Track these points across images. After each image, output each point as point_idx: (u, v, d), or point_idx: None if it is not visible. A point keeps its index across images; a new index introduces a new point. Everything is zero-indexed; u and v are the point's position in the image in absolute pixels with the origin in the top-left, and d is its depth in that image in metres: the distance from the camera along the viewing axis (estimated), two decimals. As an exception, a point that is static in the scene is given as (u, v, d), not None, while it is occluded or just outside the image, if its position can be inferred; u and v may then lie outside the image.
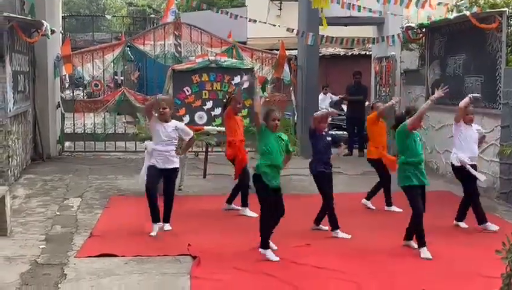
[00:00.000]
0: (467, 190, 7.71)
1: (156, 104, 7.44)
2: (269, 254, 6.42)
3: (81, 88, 15.09)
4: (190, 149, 8.71)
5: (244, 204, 8.36)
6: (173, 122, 7.50)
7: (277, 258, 6.37)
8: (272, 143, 6.54)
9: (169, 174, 7.48)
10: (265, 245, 6.46)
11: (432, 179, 8.38)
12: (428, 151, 11.39)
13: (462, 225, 7.80)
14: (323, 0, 10.55)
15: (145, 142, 7.55)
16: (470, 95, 7.68)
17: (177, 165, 7.53)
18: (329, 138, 7.54)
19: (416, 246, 6.78)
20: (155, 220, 7.41)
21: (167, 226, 7.56)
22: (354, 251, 6.80)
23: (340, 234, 7.34)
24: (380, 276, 5.98)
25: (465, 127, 7.71)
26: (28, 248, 6.77)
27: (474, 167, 7.67)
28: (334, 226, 7.39)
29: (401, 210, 8.37)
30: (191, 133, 7.68)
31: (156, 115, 7.39)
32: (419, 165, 6.79)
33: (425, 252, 6.56)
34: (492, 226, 7.60)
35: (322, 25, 11.83)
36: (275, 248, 6.65)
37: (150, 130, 7.67)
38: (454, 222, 7.83)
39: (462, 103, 7.58)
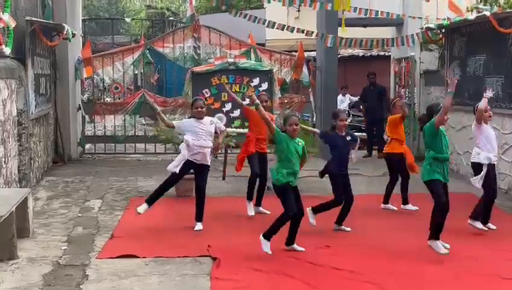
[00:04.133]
0: (486, 191, 7.65)
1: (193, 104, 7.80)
2: (266, 245, 6.54)
3: (101, 90, 15.23)
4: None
5: (249, 198, 8.46)
6: (208, 118, 7.80)
7: (271, 252, 6.49)
8: (291, 149, 6.57)
9: (204, 170, 7.71)
10: (268, 236, 6.58)
11: (452, 181, 8.34)
12: (449, 152, 11.31)
13: (491, 226, 7.73)
14: (345, 2, 10.53)
15: (185, 136, 7.69)
16: (486, 96, 7.58)
17: (209, 163, 7.80)
18: (348, 138, 7.55)
19: (447, 245, 6.75)
20: (150, 201, 7.75)
21: (199, 225, 7.66)
22: (373, 251, 6.80)
23: (342, 227, 7.56)
24: (399, 277, 5.97)
25: (485, 126, 7.67)
26: (50, 249, 6.86)
27: (493, 166, 7.62)
28: (339, 221, 7.60)
29: (417, 208, 8.44)
30: (224, 127, 8.06)
31: (193, 113, 7.70)
32: (445, 161, 6.77)
33: (436, 245, 6.56)
34: (478, 224, 7.60)
35: (341, 26, 11.82)
36: (302, 249, 6.73)
37: (183, 132, 7.80)
38: (480, 225, 7.67)
39: (482, 105, 7.50)
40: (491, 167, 7.56)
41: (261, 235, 6.61)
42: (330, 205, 7.56)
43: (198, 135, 7.62)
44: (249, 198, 8.50)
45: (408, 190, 8.80)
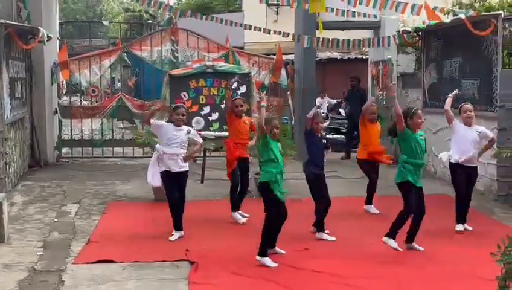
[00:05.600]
0: (456, 190, 7.82)
1: (172, 110, 7.71)
2: (267, 261, 6.38)
3: (78, 94, 15.06)
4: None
5: (235, 208, 8.33)
6: (185, 127, 7.65)
7: (275, 264, 6.36)
8: (276, 151, 6.58)
9: (182, 178, 7.57)
10: (263, 253, 6.43)
11: (429, 182, 8.43)
12: (426, 154, 11.40)
13: (467, 227, 7.81)
14: (320, 6, 10.57)
15: (157, 145, 7.65)
16: (449, 95, 7.86)
17: (187, 169, 7.64)
18: (324, 141, 7.55)
19: (421, 248, 6.88)
20: (178, 228, 7.49)
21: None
22: (353, 254, 6.81)
23: (325, 236, 7.39)
24: (380, 279, 5.98)
25: (463, 128, 7.74)
26: (25, 254, 6.76)
27: (471, 168, 7.71)
28: (319, 228, 7.45)
29: (378, 212, 8.62)
30: (201, 139, 7.84)
31: (173, 120, 7.56)
32: (418, 167, 6.83)
33: (391, 242, 6.81)
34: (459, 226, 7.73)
35: (319, 29, 11.86)
36: (283, 251, 6.70)
37: (158, 134, 7.73)
38: (460, 227, 7.77)
39: (446, 105, 7.73)
40: (461, 167, 7.67)
41: (257, 256, 6.44)
42: (317, 210, 7.47)
43: (173, 142, 7.47)
44: (235, 208, 8.36)
45: (374, 192, 8.86)
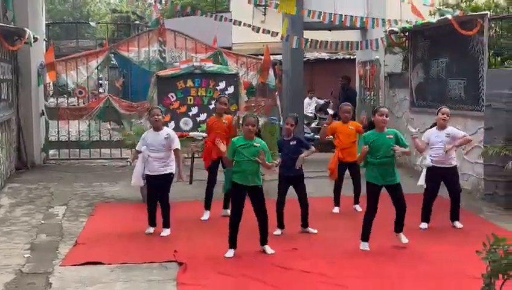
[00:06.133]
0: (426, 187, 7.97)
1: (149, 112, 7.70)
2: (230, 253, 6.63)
3: (65, 95, 14.96)
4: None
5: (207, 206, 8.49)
6: (165, 131, 7.62)
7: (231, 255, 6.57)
8: (242, 153, 6.60)
9: (163, 181, 7.57)
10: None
11: (414, 182, 8.46)
12: (413, 153, 11.43)
13: (458, 224, 7.92)
14: (290, 6, 10.64)
15: (143, 147, 7.62)
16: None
17: (172, 171, 7.63)
18: (293, 142, 7.56)
19: (406, 240, 7.01)
20: (152, 224, 7.72)
21: (166, 231, 7.61)
22: (340, 254, 6.83)
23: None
24: (368, 279, 5.99)
25: (434, 133, 7.91)
26: (12, 257, 6.71)
27: (445, 169, 7.81)
28: (303, 224, 7.68)
29: (337, 211, 8.77)
30: (178, 145, 7.70)
31: (150, 122, 7.62)
32: (381, 166, 6.87)
33: (364, 245, 6.91)
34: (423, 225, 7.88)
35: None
36: (273, 251, 6.74)
37: (142, 143, 7.69)
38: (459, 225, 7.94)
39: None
40: (435, 168, 7.80)
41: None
42: (276, 208, 7.53)
43: (152, 147, 7.50)
44: (207, 207, 8.49)
45: (339, 193, 8.91)
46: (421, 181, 8.00)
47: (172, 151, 7.57)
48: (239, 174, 6.61)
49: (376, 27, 12.23)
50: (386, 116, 6.94)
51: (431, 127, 8.06)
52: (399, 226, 7.08)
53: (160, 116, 7.56)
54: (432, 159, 7.82)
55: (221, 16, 12.84)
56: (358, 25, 12.47)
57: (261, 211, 6.74)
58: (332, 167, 8.68)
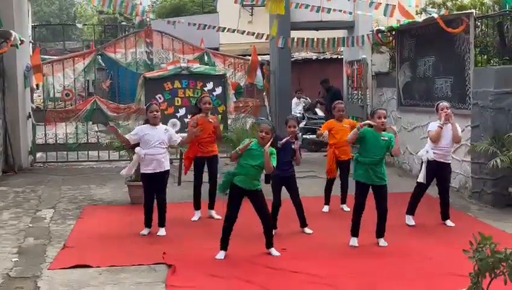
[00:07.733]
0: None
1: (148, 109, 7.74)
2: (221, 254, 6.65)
3: (51, 98, 14.89)
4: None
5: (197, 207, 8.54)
6: (163, 126, 7.75)
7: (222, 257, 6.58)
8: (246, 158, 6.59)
9: (161, 178, 7.60)
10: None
11: (405, 180, 8.48)
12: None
13: (449, 223, 7.95)
14: (279, 7, 10.65)
15: (136, 148, 7.61)
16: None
17: (168, 168, 7.68)
18: (293, 145, 7.54)
19: (385, 244, 7.03)
20: (148, 225, 7.74)
21: (162, 231, 7.62)
22: (330, 254, 6.83)
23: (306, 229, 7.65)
24: (358, 279, 6.00)
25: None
26: (0, 261, 6.66)
27: (444, 165, 7.88)
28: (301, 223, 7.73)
29: (326, 210, 8.82)
30: (179, 139, 7.83)
31: (148, 118, 7.63)
32: (370, 165, 6.90)
33: (353, 241, 7.06)
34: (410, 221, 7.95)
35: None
36: (278, 254, 6.73)
37: (141, 142, 7.63)
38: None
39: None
40: (434, 163, 7.82)
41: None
42: (272, 209, 7.51)
43: (150, 143, 7.52)
44: (197, 207, 8.53)
45: (331, 192, 8.97)
46: (421, 178, 7.87)
47: (166, 149, 7.67)
48: (241, 178, 6.58)
49: (364, 22, 12.26)
50: (384, 118, 6.99)
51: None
52: (380, 232, 7.11)
53: (158, 113, 7.65)
54: (434, 152, 7.80)
55: (205, 25, 12.82)
56: (347, 13, 12.49)
57: (265, 214, 6.73)
58: (332, 167, 8.79)
